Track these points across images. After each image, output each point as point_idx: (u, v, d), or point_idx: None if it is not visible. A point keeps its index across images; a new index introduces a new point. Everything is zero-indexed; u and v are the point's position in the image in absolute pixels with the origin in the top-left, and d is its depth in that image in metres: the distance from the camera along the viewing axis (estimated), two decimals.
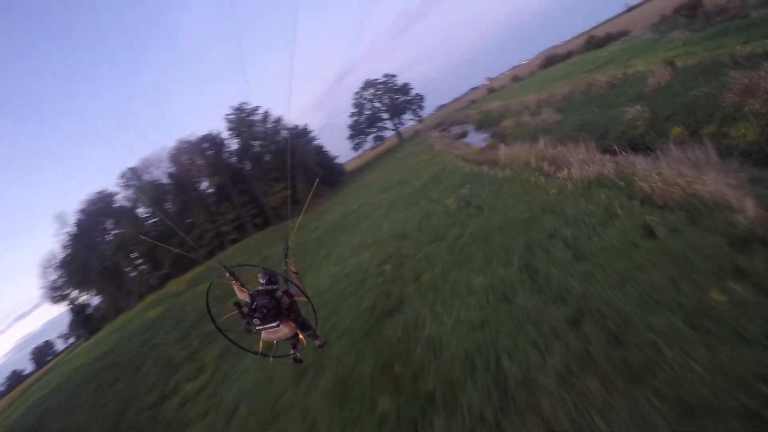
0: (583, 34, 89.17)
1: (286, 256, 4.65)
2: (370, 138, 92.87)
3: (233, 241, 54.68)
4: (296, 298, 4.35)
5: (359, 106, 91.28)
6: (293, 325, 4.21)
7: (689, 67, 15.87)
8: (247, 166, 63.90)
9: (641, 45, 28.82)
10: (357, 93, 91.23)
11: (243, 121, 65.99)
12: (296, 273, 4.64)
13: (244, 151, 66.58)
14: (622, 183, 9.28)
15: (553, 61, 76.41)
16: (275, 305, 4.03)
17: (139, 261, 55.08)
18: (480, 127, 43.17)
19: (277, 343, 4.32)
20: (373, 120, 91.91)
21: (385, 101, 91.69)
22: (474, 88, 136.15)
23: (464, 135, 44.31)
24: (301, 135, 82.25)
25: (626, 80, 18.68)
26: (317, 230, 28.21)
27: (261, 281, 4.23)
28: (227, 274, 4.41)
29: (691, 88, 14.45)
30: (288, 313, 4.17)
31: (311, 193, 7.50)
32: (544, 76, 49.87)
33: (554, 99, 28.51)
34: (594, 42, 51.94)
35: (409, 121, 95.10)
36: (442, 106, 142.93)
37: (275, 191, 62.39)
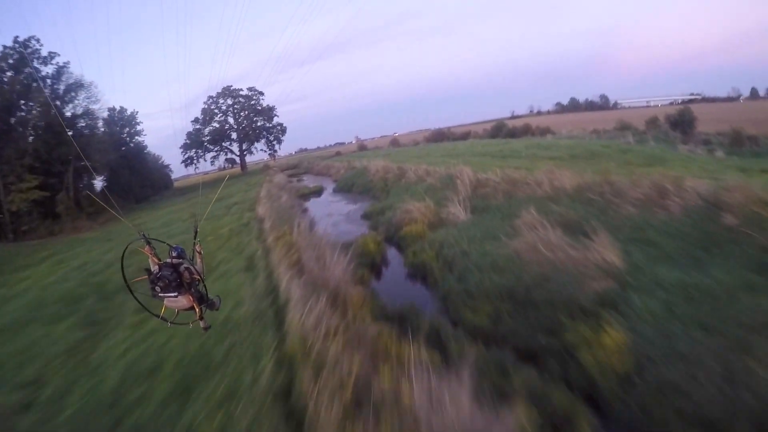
0: (473, 124, 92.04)
1: (195, 236, 4.94)
2: (208, 157, 71.26)
3: None
4: (195, 277, 4.60)
5: (208, 113, 69.64)
6: (191, 298, 4.50)
7: None
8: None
9: (647, 150, 21.69)
10: (211, 98, 69.96)
11: (21, 64, 39.33)
12: (200, 253, 4.90)
13: (5, 112, 38.93)
14: None
15: (446, 137, 74.17)
16: (177, 278, 4.33)
17: None
18: (344, 189, 31.26)
19: (178, 311, 4.66)
20: (220, 137, 71.07)
21: (240, 119, 72.75)
22: (340, 143, 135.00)
23: (319, 192, 33.43)
24: (126, 122, 57.47)
25: None
26: None
27: (172, 254, 4.53)
28: (145, 244, 4.61)
29: None
30: (188, 286, 4.47)
31: None
32: (455, 150, 40.44)
33: (538, 188, 17.47)
34: (505, 130, 48.29)
35: (261, 151, 77.40)
36: (303, 150, 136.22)
37: (27, 188, 36.32)
